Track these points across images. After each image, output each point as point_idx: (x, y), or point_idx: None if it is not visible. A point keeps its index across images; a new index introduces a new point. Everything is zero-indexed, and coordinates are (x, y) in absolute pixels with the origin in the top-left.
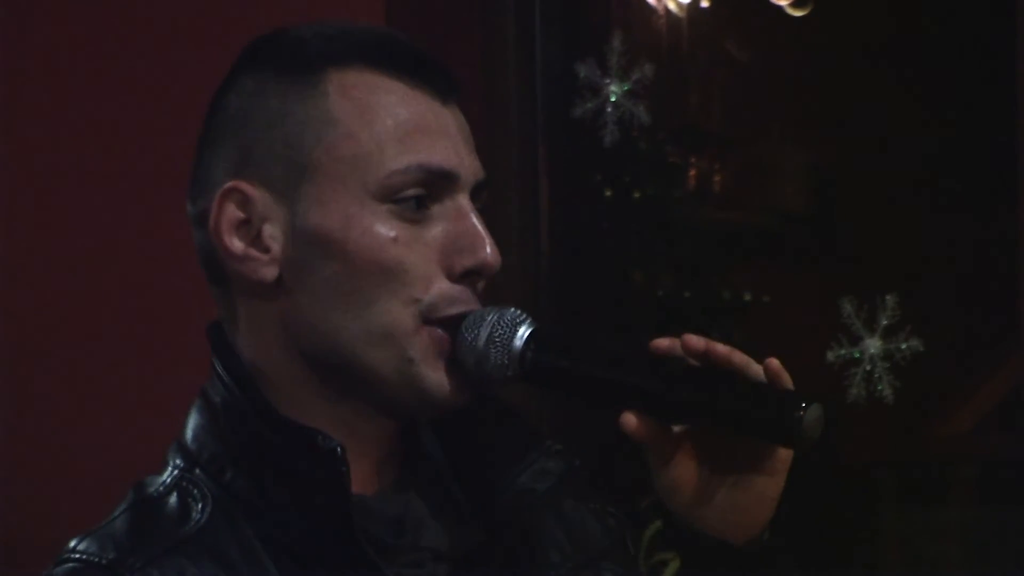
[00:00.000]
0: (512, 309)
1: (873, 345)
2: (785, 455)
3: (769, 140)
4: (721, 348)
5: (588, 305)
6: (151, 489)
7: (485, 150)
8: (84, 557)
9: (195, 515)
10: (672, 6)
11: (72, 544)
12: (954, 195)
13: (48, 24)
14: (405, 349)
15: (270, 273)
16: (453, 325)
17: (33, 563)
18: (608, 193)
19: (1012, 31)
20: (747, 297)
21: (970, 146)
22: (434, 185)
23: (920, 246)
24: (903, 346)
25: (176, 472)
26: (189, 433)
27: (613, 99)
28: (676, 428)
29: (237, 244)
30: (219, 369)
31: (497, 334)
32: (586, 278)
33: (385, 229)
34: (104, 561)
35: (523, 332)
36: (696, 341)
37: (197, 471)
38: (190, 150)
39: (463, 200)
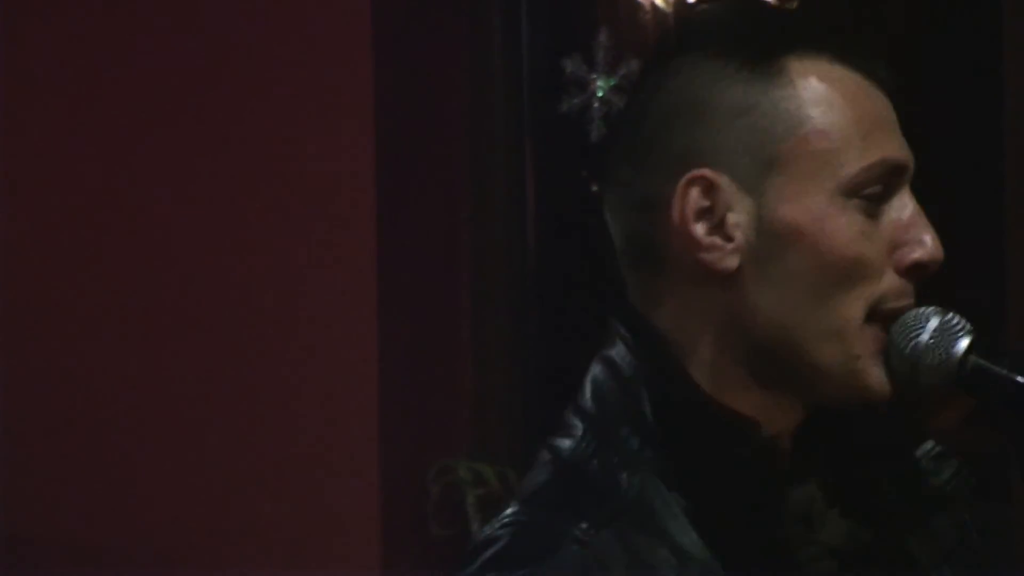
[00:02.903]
0: (952, 313)
1: None
2: None
3: None
4: None
5: (575, 300)
6: (569, 454)
7: (471, 145)
8: (524, 520)
9: (624, 483)
10: (659, 1)
11: (510, 511)
12: (939, 194)
13: (48, 24)
14: (852, 346)
15: (732, 262)
16: (891, 320)
17: (35, 562)
18: (594, 189)
19: (999, 29)
20: None
21: (956, 146)
22: (889, 180)
23: None
24: None
25: (588, 436)
26: (590, 400)
27: (600, 94)
28: None
29: (700, 231)
30: (635, 345)
31: (939, 337)
32: (573, 273)
33: (853, 225)
34: (547, 524)
35: (964, 340)
36: None
37: (606, 437)
38: (185, 150)
39: (907, 191)
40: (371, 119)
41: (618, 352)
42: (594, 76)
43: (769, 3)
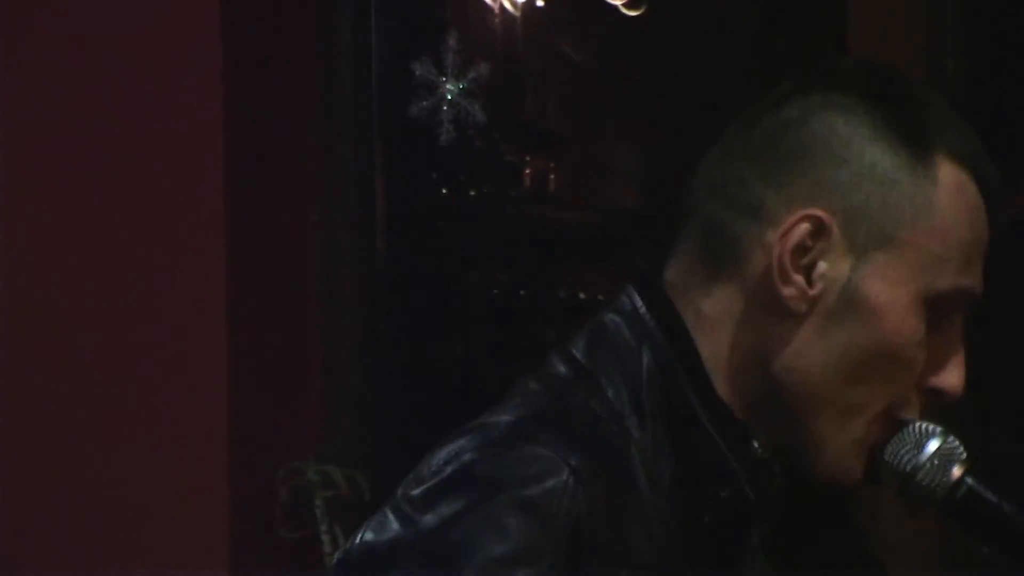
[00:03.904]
0: (952, 437)
1: None
2: None
3: (605, 139)
4: None
5: (424, 304)
6: (562, 391)
7: (320, 147)
8: (529, 434)
9: (614, 440)
10: (507, 5)
11: (504, 421)
12: None
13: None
14: (853, 432)
15: (803, 307)
16: (892, 425)
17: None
18: (444, 192)
19: (844, 24)
20: (582, 296)
21: None
22: (963, 310)
23: None
24: None
25: (581, 383)
26: (584, 351)
27: (449, 98)
28: None
29: (790, 264)
30: (650, 319)
31: (937, 460)
32: (422, 277)
33: (920, 332)
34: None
35: (958, 468)
36: None
37: (594, 390)
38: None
39: (960, 322)
40: (219, 120)
41: (629, 318)
42: (443, 79)
43: (935, 94)
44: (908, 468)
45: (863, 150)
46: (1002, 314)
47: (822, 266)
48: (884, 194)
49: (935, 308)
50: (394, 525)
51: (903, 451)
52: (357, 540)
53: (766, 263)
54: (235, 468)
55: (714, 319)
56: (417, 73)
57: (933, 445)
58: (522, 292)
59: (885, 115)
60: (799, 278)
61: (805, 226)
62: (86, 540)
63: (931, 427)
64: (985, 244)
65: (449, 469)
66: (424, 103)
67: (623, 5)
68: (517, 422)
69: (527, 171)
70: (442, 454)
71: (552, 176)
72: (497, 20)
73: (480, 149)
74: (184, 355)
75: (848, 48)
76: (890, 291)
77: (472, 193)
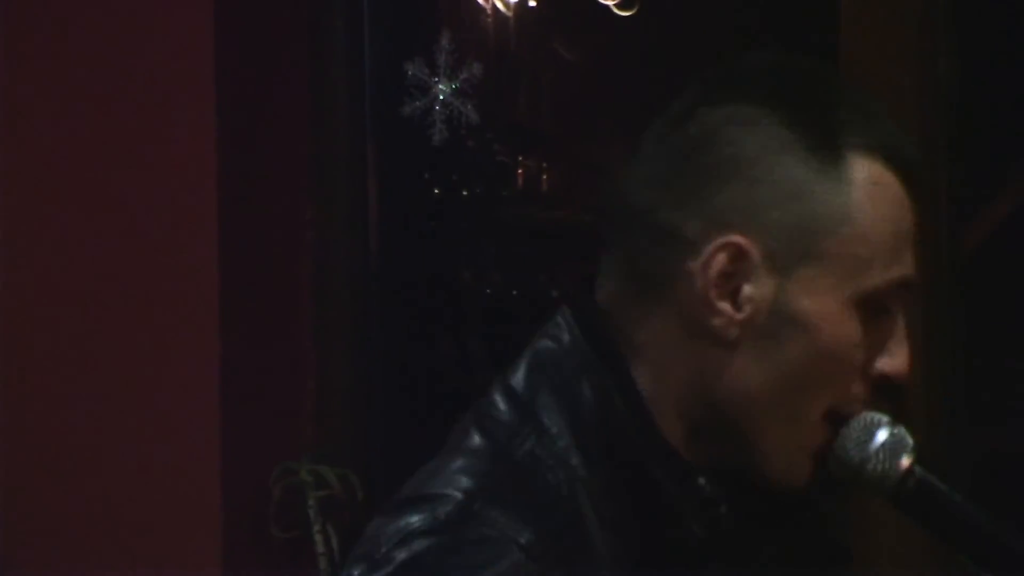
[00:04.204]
0: (900, 427)
1: None
2: None
3: (597, 140)
4: None
5: (416, 303)
6: (506, 444)
7: (313, 147)
8: (475, 515)
9: (562, 490)
10: (500, 5)
11: (457, 496)
12: None
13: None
14: (802, 437)
15: (734, 332)
16: (839, 419)
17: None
18: (437, 192)
19: (836, 24)
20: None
21: None
22: (899, 297)
23: None
24: None
25: (524, 428)
26: (523, 385)
27: (442, 98)
28: None
29: (714, 294)
30: (587, 349)
31: (886, 450)
32: (415, 277)
33: (856, 333)
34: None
35: (907, 457)
36: None
37: (535, 430)
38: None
39: (900, 308)
40: (213, 120)
41: (566, 349)
42: (436, 80)
43: (840, 83)
44: (857, 460)
45: (773, 166)
46: (1002, 314)
47: (747, 289)
48: (799, 209)
49: (869, 305)
50: None
51: (851, 443)
52: None
53: (691, 291)
54: (228, 468)
55: (649, 346)
56: (410, 73)
57: (881, 436)
58: (514, 292)
59: (790, 123)
60: (725, 305)
61: (724, 255)
62: (80, 540)
63: (878, 418)
64: (911, 225)
65: (400, 557)
66: (417, 103)
67: (615, 5)
68: (464, 501)
69: (520, 171)
70: (391, 532)
71: (545, 176)
72: (490, 20)
73: (473, 149)
74: (177, 355)
75: (840, 48)
76: (820, 302)
77: (465, 193)
